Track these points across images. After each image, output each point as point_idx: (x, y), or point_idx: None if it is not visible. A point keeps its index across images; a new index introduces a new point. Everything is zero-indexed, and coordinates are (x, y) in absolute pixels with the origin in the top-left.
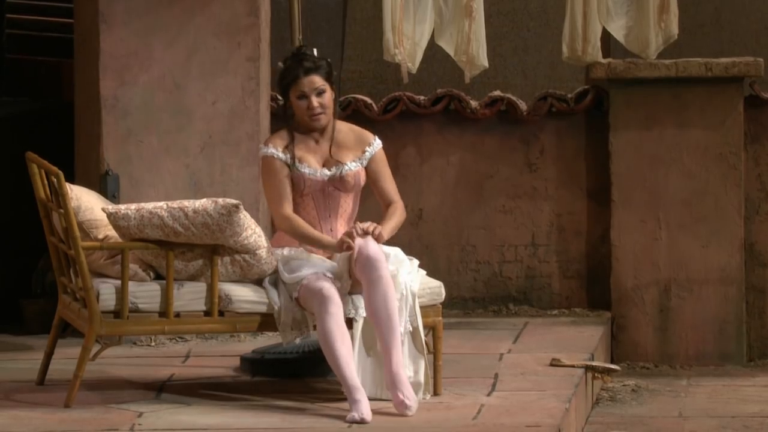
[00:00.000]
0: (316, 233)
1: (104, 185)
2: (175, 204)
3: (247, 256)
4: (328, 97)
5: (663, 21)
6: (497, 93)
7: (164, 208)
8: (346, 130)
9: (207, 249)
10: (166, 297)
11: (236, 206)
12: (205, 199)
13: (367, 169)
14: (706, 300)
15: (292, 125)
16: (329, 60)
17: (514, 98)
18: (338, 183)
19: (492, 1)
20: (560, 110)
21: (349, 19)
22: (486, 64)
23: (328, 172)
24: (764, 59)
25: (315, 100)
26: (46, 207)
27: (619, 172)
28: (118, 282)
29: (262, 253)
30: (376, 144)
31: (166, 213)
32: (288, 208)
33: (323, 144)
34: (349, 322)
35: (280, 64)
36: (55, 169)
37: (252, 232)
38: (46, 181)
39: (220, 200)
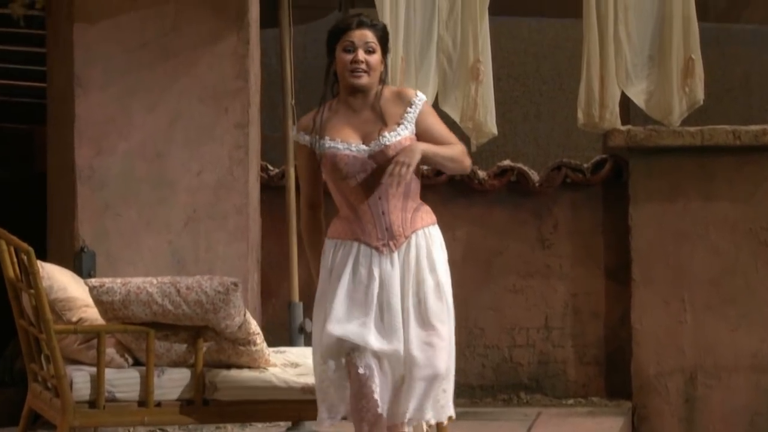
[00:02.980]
0: (313, 253)
1: (79, 263)
2: (167, 279)
3: (235, 344)
4: (377, 58)
5: (687, 85)
6: (507, 162)
7: (154, 283)
8: (386, 94)
9: (192, 333)
10: (145, 385)
11: (235, 285)
12: (199, 276)
13: (417, 130)
14: (736, 389)
15: (329, 96)
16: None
17: (525, 168)
18: (380, 158)
19: (501, 63)
20: (575, 181)
21: None
22: (495, 131)
23: (365, 147)
24: None
25: (362, 54)
26: (15, 287)
27: (639, 248)
28: (94, 369)
29: (253, 342)
30: (419, 100)
31: (156, 288)
32: (309, 200)
33: (364, 114)
34: None
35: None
36: (25, 245)
37: (244, 318)
38: (15, 259)
39: (217, 277)
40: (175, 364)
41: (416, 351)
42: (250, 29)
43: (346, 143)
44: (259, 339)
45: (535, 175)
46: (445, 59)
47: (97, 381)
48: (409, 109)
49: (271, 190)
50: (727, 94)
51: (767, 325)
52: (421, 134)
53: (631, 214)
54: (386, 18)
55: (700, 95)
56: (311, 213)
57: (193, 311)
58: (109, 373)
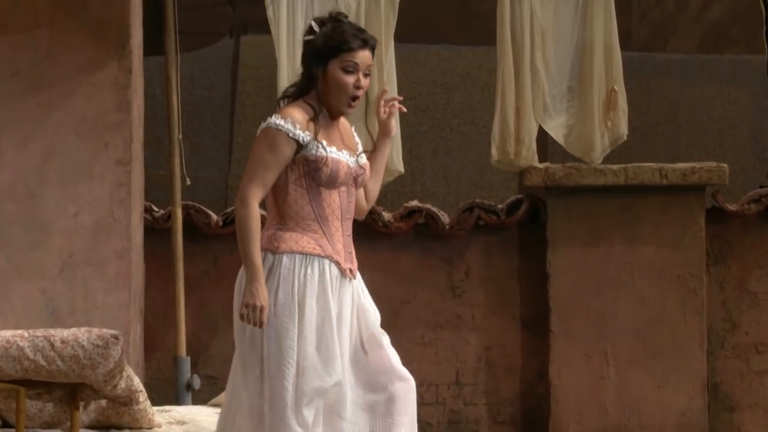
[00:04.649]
0: (256, 250)
1: None
2: (39, 332)
3: (116, 403)
4: (368, 83)
5: (610, 119)
6: (414, 203)
7: (25, 337)
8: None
9: (67, 391)
10: None
11: (116, 337)
12: (75, 328)
13: None
14: None
15: (304, 99)
16: None
17: (434, 209)
18: (359, 176)
19: (408, 94)
20: (489, 223)
21: (238, 115)
22: (401, 168)
23: (354, 161)
24: (729, 165)
25: (363, 80)
26: None
27: (558, 296)
28: None
29: (135, 401)
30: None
31: (28, 342)
32: (261, 193)
33: (337, 129)
34: None
35: (314, 25)
36: None
37: (126, 373)
38: None
39: (96, 330)
40: (49, 425)
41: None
42: (132, 57)
43: (345, 153)
44: (142, 397)
45: (445, 217)
46: None
47: None
48: (358, 139)
49: (156, 233)
50: (653, 128)
51: (696, 381)
52: None
53: (549, 259)
54: (282, 46)
55: (624, 130)
56: (251, 205)
57: (69, 367)
58: None
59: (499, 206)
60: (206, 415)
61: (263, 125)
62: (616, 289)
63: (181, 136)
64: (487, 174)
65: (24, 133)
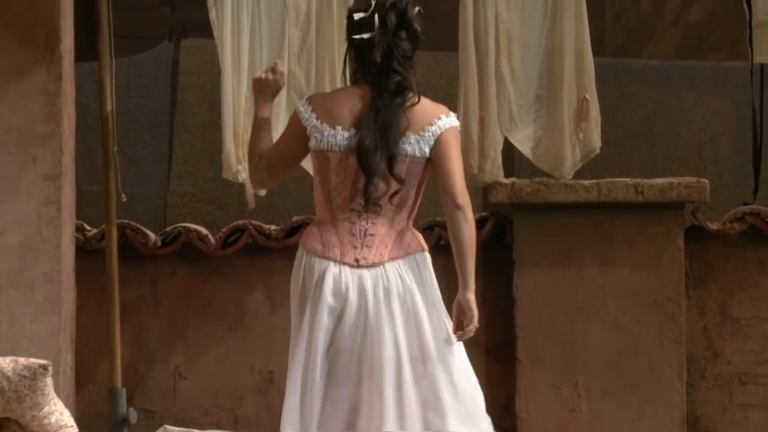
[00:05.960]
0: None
1: None
2: None
3: None
4: None
5: (581, 130)
6: None
7: None
8: None
9: None
10: None
11: (44, 368)
12: (0, 358)
13: None
14: None
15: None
16: None
17: None
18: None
19: None
20: (450, 243)
21: (177, 126)
22: None
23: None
24: (710, 180)
25: None
26: None
27: (525, 323)
28: None
29: None
30: None
31: None
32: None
33: None
34: None
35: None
36: None
37: (55, 407)
38: None
39: (22, 359)
40: None
41: None
42: (62, 62)
43: None
44: None
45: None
46: (297, 98)
47: None
48: None
49: (89, 254)
50: (628, 141)
51: (675, 414)
52: None
53: (515, 282)
54: (227, 51)
55: (596, 142)
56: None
57: None
58: None
59: None
60: None
61: (452, 124)
62: (587, 315)
63: (116, 149)
64: None
65: None
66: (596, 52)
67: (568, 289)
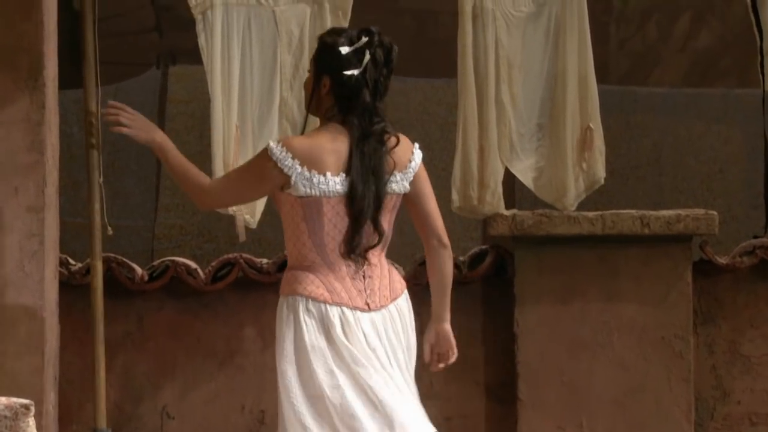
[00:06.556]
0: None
1: None
2: None
3: None
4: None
5: (585, 161)
6: None
7: None
8: None
9: None
10: None
11: (26, 408)
12: None
13: None
14: None
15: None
16: None
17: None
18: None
19: None
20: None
21: None
22: None
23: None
24: (719, 212)
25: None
26: None
27: (527, 360)
28: None
29: None
30: None
31: None
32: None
33: None
34: None
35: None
36: None
37: None
38: None
39: (3, 399)
40: None
41: None
42: (46, 90)
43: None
44: None
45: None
46: (289, 126)
47: None
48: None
49: (73, 289)
50: (634, 171)
51: None
52: None
53: (516, 318)
54: (216, 79)
55: (601, 173)
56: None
57: None
58: None
59: (461, 258)
60: None
61: (421, 156)
62: (592, 352)
63: (101, 180)
64: (447, 222)
65: None
66: (600, 79)
67: (571, 326)
